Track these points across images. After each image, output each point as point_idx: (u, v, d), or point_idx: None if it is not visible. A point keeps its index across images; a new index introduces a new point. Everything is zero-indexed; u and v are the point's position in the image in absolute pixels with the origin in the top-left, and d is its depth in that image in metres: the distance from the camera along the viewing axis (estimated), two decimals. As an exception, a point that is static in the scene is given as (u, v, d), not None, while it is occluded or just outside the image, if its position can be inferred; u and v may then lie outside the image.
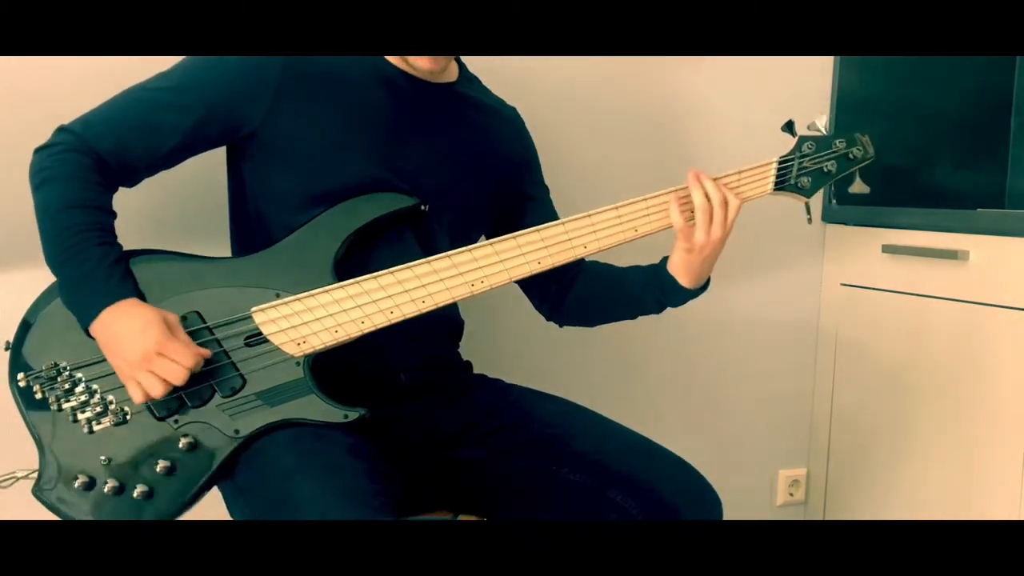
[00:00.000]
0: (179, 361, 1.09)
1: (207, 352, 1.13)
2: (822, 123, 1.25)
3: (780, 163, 1.24)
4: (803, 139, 1.25)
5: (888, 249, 1.81)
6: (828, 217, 1.98)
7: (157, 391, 1.10)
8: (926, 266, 1.74)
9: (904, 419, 1.81)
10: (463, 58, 1.38)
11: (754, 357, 1.99)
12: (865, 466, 1.91)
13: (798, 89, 1.91)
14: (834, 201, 1.95)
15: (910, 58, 1.98)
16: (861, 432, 1.92)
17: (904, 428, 1.81)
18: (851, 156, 1.26)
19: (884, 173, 1.99)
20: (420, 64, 1.23)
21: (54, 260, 1.13)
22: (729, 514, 1.28)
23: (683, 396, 1.95)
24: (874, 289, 1.87)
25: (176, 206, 1.48)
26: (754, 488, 2.05)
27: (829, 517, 2.01)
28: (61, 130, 1.18)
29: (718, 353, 1.96)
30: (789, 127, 1.25)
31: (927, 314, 1.75)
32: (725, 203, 1.20)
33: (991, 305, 1.63)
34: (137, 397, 1.11)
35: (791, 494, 2.07)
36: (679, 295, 1.29)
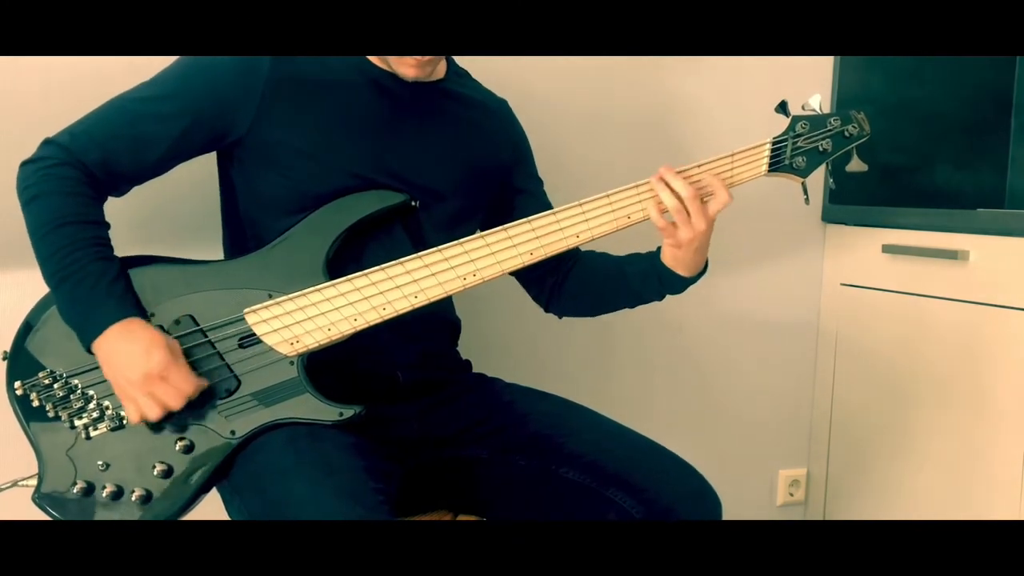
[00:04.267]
0: (179, 387, 1.10)
1: (206, 382, 1.14)
2: (816, 102, 1.23)
3: (774, 144, 1.22)
4: (797, 119, 1.23)
5: (888, 249, 1.81)
6: (828, 217, 1.98)
7: (154, 414, 1.11)
8: (926, 266, 1.74)
9: (904, 419, 1.81)
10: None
11: (754, 357, 1.99)
12: (865, 466, 1.91)
13: (798, 89, 1.90)
14: (831, 192, 1.94)
15: (910, 58, 1.98)
16: (861, 432, 1.92)
17: (904, 428, 1.81)
18: (847, 134, 1.23)
19: (884, 173, 1.99)
20: (404, 72, 1.20)
21: (52, 278, 1.12)
22: (729, 514, 1.27)
23: (683, 396, 1.94)
24: (874, 289, 1.87)
25: (169, 212, 1.48)
26: (754, 488, 2.05)
27: (829, 517, 2.01)
28: (47, 143, 1.16)
29: (718, 353, 1.96)
30: (783, 107, 1.23)
31: (927, 314, 1.75)
32: (697, 195, 1.18)
33: (991, 305, 1.62)
34: (134, 417, 1.12)
35: (791, 494, 2.07)
36: (679, 284, 1.29)
